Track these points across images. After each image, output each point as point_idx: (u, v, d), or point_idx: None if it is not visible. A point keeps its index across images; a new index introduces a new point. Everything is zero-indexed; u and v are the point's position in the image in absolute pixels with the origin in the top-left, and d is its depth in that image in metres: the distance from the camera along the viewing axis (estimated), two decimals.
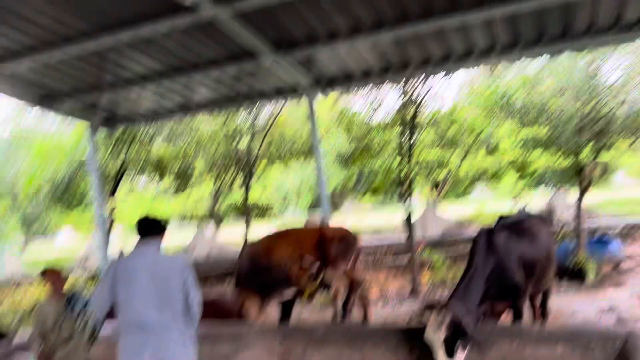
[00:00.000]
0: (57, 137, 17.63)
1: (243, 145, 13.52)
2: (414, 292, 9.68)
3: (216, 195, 22.52)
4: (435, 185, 14.14)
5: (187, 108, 8.49)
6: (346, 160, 12.03)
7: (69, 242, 31.36)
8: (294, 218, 28.19)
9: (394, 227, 17.42)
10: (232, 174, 18.26)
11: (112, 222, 13.58)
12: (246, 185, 13.28)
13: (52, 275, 4.47)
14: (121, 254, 5.53)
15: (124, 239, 16.95)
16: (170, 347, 3.35)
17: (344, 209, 34.61)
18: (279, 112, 13.12)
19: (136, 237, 3.65)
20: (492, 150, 11.33)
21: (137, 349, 3.31)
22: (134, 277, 3.38)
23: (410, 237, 9.86)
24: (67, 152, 13.28)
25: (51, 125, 14.69)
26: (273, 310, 6.43)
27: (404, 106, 9.82)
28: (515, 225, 5.12)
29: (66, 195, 14.40)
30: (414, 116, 9.72)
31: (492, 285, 4.46)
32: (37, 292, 11.00)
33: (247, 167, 13.17)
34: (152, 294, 3.37)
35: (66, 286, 4.67)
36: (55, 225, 30.79)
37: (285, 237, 6.29)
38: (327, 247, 6.09)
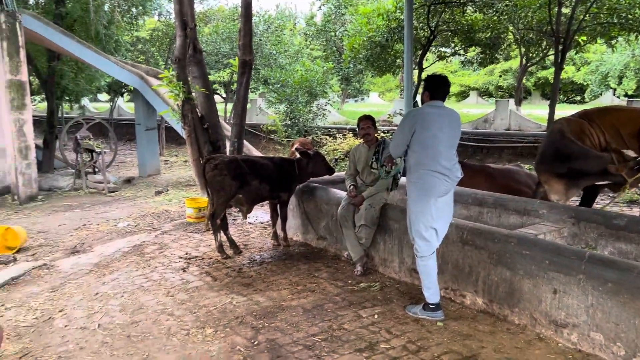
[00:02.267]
0: (378, 2, 18.67)
1: (562, 14, 12.06)
2: None
3: (523, 69, 21.16)
4: None
5: None
6: None
7: (376, 106, 34.42)
8: (611, 104, 24.64)
9: None
10: (544, 48, 16.73)
11: (417, 87, 14.26)
12: (559, 60, 12.06)
13: (367, 122, 5.13)
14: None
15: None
16: (451, 186, 3.92)
17: None
18: None
19: (430, 94, 4.00)
20: None
21: (435, 181, 3.83)
22: (434, 124, 3.85)
23: None
24: (384, 17, 14.07)
25: None
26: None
27: None
28: None
29: (378, 61, 15.50)
30: None
31: None
32: (352, 139, 12.72)
33: (563, 40, 11.84)
34: (446, 140, 3.88)
35: (377, 135, 5.33)
36: (366, 88, 34.15)
37: (603, 117, 5.31)
38: None
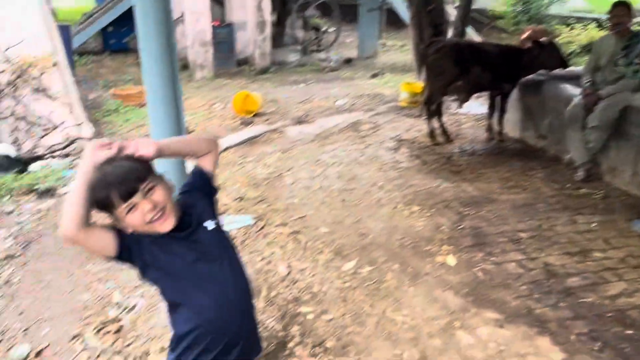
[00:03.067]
0: None
1: None
2: None
3: None
4: None
5: None
6: None
7: None
8: None
9: None
10: None
11: None
12: None
13: (622, 9, 4.40)
14: None
15: None
16: None
17: None
18: None
19: None
20: None
21: None
22: None
23: None
24: None
25: None
26: None
27: None
28: None
29: None
30: None
31: None
32: (595, 30, 11.09)
33: None
34: None
35: (632, 25, 4.56)
36: None
37: None
38: None
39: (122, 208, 1.30)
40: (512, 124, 5.95)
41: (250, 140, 5.84)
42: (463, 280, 3.01)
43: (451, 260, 3.23)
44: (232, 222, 3.70)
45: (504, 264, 3.19)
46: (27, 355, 2.50)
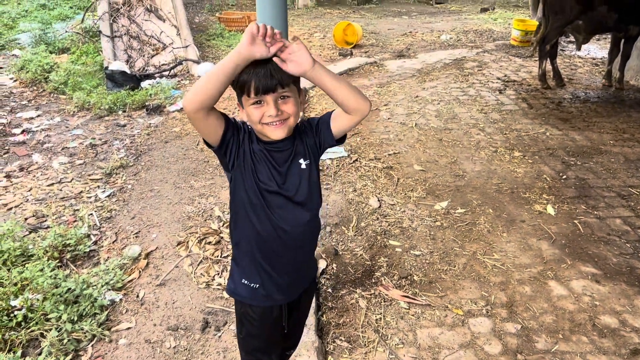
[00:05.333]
0: None
1: None
2: None
3: None
4: None
5: None
6: None
7: None
8: None
9: None
10: None
11: None
12: None
13: None
14: None
15: None
16: None
17: None
18: None
19: None
20: None
21: None
22: None
23: None
24: None
25: None
26: None
27: None
28: None
29: None
30: None
31: None
32: None
33: None
34: None
35: None
36: None
37: None
38: None
39: (251, 97, 1.30)
40: (635, 71, 5.43)
41: (348, 73, 5.77)
42: (561, 231, 2.88)
43: (550, 209, 3.09)
44: (326, 153, 3.75)
45: (609, 219, 3.00)
46: (138, 256, 2.75)
